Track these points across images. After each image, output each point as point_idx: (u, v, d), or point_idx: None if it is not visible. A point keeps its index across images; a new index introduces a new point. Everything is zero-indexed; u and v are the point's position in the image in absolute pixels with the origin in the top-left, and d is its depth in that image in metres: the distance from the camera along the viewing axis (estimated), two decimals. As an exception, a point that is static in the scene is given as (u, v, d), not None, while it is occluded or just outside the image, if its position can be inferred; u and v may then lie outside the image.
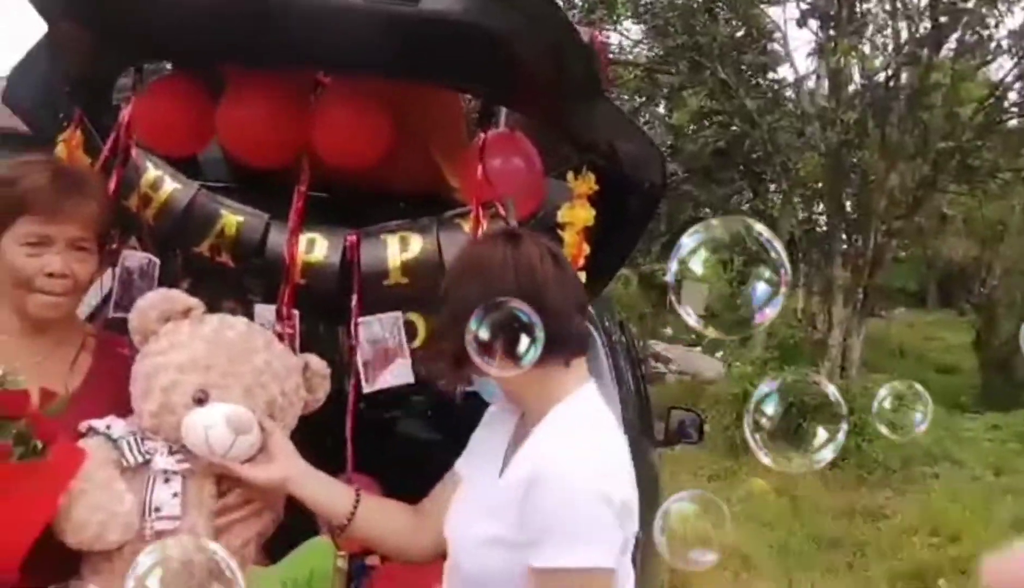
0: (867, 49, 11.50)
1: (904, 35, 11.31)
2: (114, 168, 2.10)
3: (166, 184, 2.19)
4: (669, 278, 1.56)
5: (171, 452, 1.77)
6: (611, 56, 13.03)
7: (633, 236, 2.30)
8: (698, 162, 15.46)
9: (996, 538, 6.80)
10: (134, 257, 2.17)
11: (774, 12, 13.24)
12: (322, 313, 2.16)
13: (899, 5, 11.25)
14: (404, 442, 3.31)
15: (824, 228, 12.13)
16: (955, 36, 11.00)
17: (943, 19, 10.69)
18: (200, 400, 1.76)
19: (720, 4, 12.81)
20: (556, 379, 1.63)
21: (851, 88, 11.69)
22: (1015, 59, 11.08)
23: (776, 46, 13.63)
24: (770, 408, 1.66)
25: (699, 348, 16.61)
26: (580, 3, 13.17)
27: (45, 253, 1.76)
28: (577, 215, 2.02)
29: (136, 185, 2.16)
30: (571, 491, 1.49)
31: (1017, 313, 14.92)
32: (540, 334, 1.50)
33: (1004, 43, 10.94)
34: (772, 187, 15.04)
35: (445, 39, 1.74)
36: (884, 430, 1.89)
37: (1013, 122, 12.16)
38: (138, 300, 1.86)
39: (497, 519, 1.57)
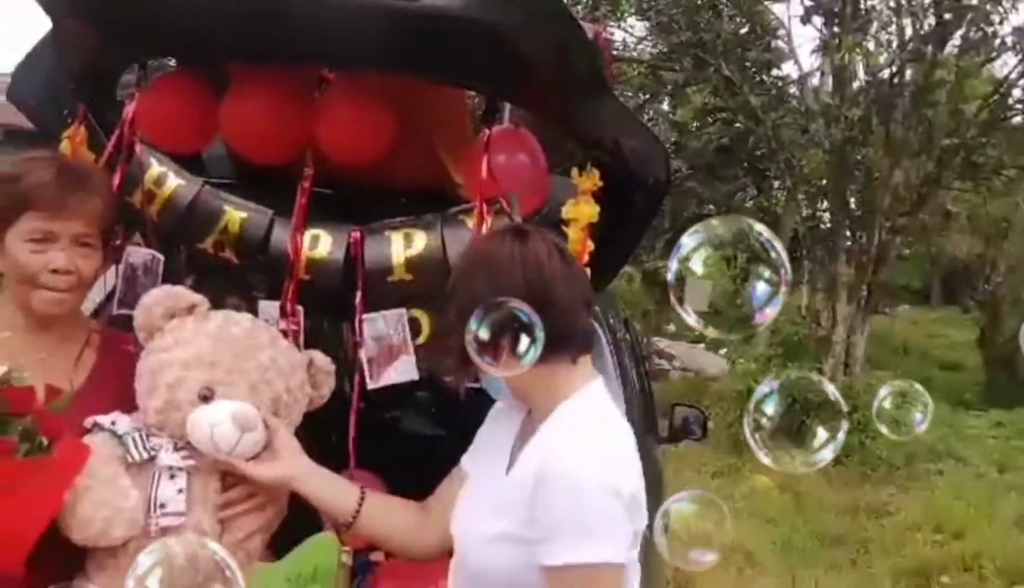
0: (871, 46, 11.45)
1: (908, 32, 11.28)
2: (118, 164, 2.10)
3: (170, 180, 2.19)
4: (670, 277, 1.56)
5: (176, 448, 1.78)
6: (615, 53, 13.01)
7: (637, 233, 2.29)
8: (702, 159, 15.46)
9: (1000, 535, 6.82)
10: (138, 253, 2.17)
11: (778, 9, 13.24)
12: (326, 310, 2.15)
13: (903, 2, 11.22)
14: (408, 439, 3.31)
15: (828, 225, 12.09)
16: (959, 33, 10.96)
17: (947, 16, 10.65)
18: (205, 397, 1.77)
19: (724, 1, 12.78)
20: (563, 376, 1.63)
21: (855, 85, 11.66)
22: (1020, 56, 11.02)
23: (780, 43, 13.62)
24: (770, 408, 1.66)
25: (703, 345, 16.60)
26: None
27: (49, 249, 1.76)
28: (581, 211, 2.01)
29: (140, 181, 2.16)
30: (579, 486, 1.49)
31: (1021, 310, 14.89)
32: (540, 334, 1.50)
33: (1009, 40, 10.89)
34: (776, 184, 15.03)
35: (446, 35, 1.74)
36: (884, 429, 1.89)
37: (1018, 119, 12.10)
38: (143, 297, 1.86)
39: (504, 516, 1.57)
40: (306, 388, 1.94)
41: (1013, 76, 11.37)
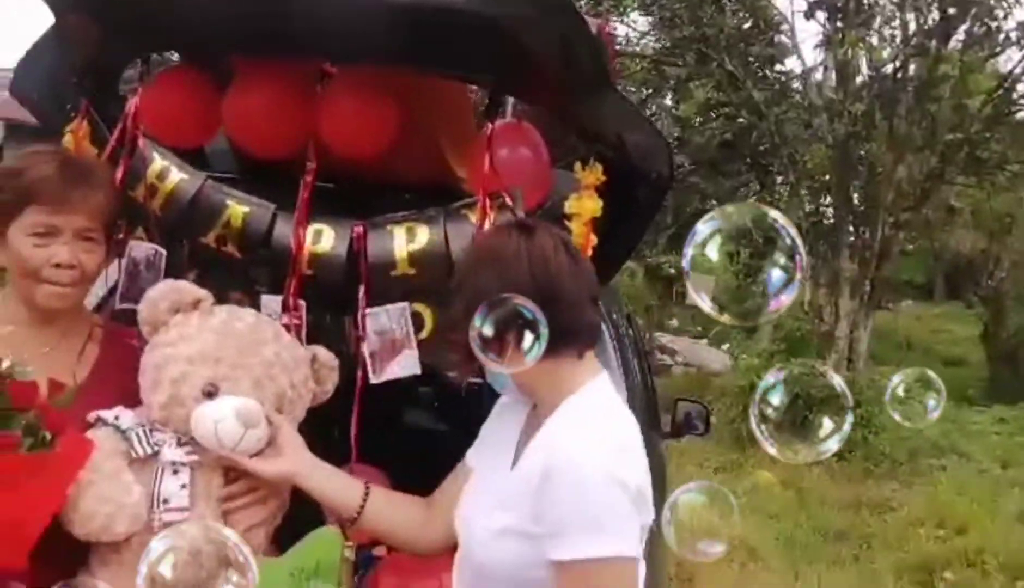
0: (875, 41, 11.42)
1: (912, 26, 11.24)
2: (121, 159, 2.10)
3: (172, 174, 2.19)
4: (685, 264, 1.56)
5: (180, 444, 1.77)
6: (618, 48, 12.99)
7: (640, 227, 2.29)
8: (705, 154, 15.43)
9: (1003, 531, 6.82)
10: (140, 248, 2.17)
11: (781, 4, 13.19)
12: (329, 304, 2.15)
13: (907, -4, 11.21)
14: (410, 433, 3.32)
15: (831, 220, 12.06)
16: (963, 28, 10.93)
17: (951, 10, 10.62)
18: (210, 393, 1.76)
19: (727, -4, 12.76)
20: (568, 371, 1.63)
21: (859, 80, 11.63)
22: (1024, 51, 11.02)
23: (783, 38, 13.55)
24: (776, 399, 1.66)
25: (705, 340, 16.62)
26: (587, -6, 13.13)
27: (52, 243, 1.76)
28: (584, 206, 2.01)
29: (142, 176, 2.16)
30: (586, 479, 1.49)
31: (1025, 306, 14.90)
32: (544, 330, 1.49)
33: (1013, 35, 10.86)
34: (779, 179, 14.98)
35: (449, 28, 1.73)
36: (897, 417, 1.89)
37: (1022, 114, 12.07)
38: (148, 291, 1.86)
39: (509, 510, 1.57)
40: (310, 383, 1.93)
41: (1017, 71, 11.34)
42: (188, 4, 1.79)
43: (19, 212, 1.75)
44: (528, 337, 1.49)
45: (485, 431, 1.85)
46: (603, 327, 2.50)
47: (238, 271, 2.19)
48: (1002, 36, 10.90)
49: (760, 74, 13.17)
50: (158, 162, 2.19)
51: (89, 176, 1.83)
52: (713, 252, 1.53)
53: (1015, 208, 15.41)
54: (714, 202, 15.14)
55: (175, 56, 2.36)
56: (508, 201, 2.01)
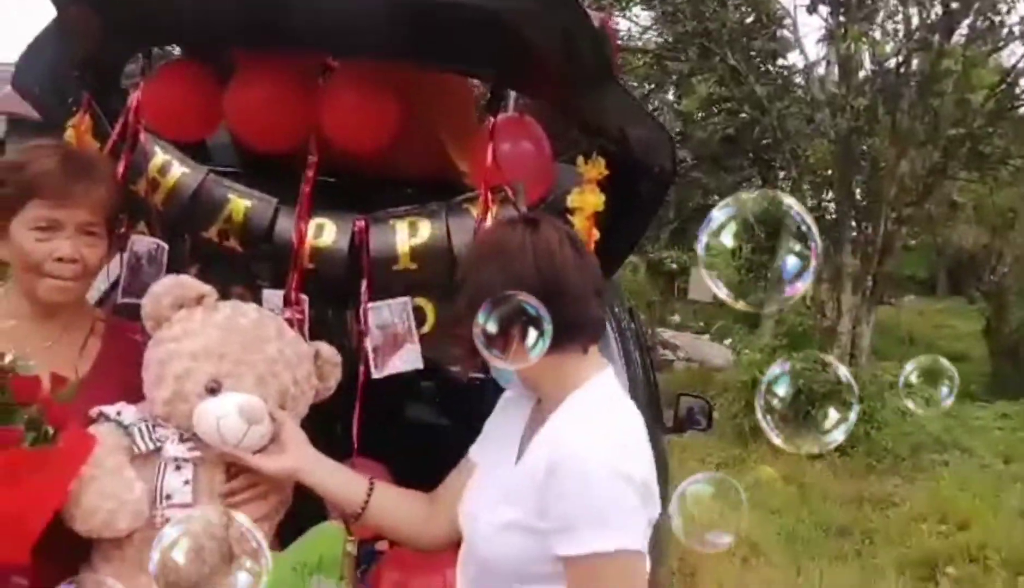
0: (878, 35, 11.41)
1: (915, 21, 11.23)
2: (122, 153, 2.10)
3: (174, 169, 2.18)
4: (699, 250, 1.55)
5: (182, 440, 1.77)
6: (620, 43, 12.98)
7: (643, 221, 2.28)
8: (707, 149, 15.44)
9: (1005, 526, 6.81)
10: (142, 242, 2.17)
11: (784, -2, 13.19)
12: (330, 298, 2.15)
13: (910, -10, 11.19)
14: (412, 427, 3.32)
15: (833, 215, 12.07)
16: (966, 22, 10.93)
17: (954, 5, 10.61)
18: (213, 390, 1.76)
19: (730, -10, 12.73)
20: (573, 365, 1.63)
21: (861, 74, 11.62)
22: (1027, 45, 11.01)
23: (786, 32, 13.56)
24: (782, 389, 1.66)
25: (707, 335, 16.61)
26: (589, -11, 13.11)
27: (54, 237, 1.76)
28: (587, 200, 2.01)
29: (144, 170, 2.16)
30: (591, 473, 1.49)
31: (1027, 301, 14.89)
32: (548, 326, 1.49)
33: (1016, 29, 10.87)
34: (781, 174, 14.98)
35: (451, 22, 1.73)
36: (910, 405, 1.89)
37: (1024, 109, 12.08)
38: (152, 286, 1.86)
39: (514, 504, 1.57)
40: (312, 380, 1.93)
41: (1020, 65, 11.34)
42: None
43: (21, 206, 1.75)
44: (532, 334, 1.49)
45: (489, 426, 1.85)
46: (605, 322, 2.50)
47: (240, 265, 2.19)
48: (1005, 31, 10.91)
49: (762, 69, 13.19)
50: (160, 156, 2.19)
51: (91, 170, 1.83)
52: (728, 239, 1.53)
53: (1018, 203, 15.41)
54: (716, 197, 15.14)
55: (177, 50, 2.35)
56: (510, 195, 2.00)
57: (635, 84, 14.85)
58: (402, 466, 2.24)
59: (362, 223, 2.09)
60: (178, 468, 1.76)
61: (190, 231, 2.20)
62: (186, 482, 1.75)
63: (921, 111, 10.84)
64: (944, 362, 1.90)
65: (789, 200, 1.54)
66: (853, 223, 11.61)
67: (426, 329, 2.11)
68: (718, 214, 1.55)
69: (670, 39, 13.85)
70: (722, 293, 1.57)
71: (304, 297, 2.08)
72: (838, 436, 1.65)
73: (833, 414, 1.65)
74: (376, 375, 2.09)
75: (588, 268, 1.64)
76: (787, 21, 13.31)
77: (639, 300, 13.65)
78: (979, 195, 14.94)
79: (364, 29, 1.81)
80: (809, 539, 6.84)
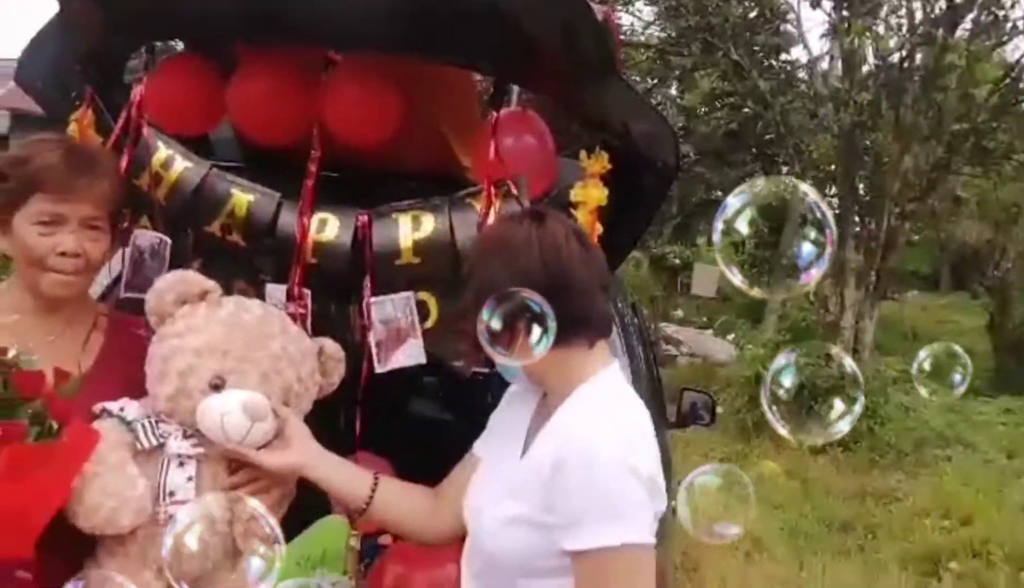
0: (881, 30, 11.39)
1: (919, 15, 11.21)
2: (125, 147, 2.10)
3: (177, 163, 2.18)
4: (716, 237, 1.55)
5: (186, 436, 1.77)
6: (623, 37, 12.96)
7: (646, 216, 2.28)
8: (710, 144, 15.42)
9: (1008, 521, 6.81)
10: (145, 236, 2.17)
11: (787, -7, 13.16)
12: (333, 293, 2.15)
13: (914, -15, 11.16)
14: (416, 423, 3.32)
15: (837, 210, 12.02)
16: (970, 16, 10.90)
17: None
18: (216, 386, 1.75)
19: (733, -15, 12.71)
20: (580, 360, 1.63)
21: (865, 69, 11.61)
22: (1031, 39, 10.98)
23: (789, 27, 13.55)
24: (788, 380, 1.66)
25: (710, 331, 16.61)
26: (592, -17, 13.06)
27: (58, 232, 1.76)
28: (590, 195, 2.01)
29: (147, 164, 2.16)
30: (598, 467, 1.48)
31: (1031, 296, 14.87)
32: (552, 323, 1.49)
33: (1020, 24, 10.84)
34: (784, 169, 14.95)
35: (452, 16, 1.72)
36: (923, 392, 1.89)
37: (1028, 104, 12.04)
38: (156, 281, 1.85)
39: (519, 499, 1.57)
40: (316, 376, 1.92)
41: (1024, 60, 11.30)
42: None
43: (24, 200, 1.75)
44: (536, 330, 1.49)
45: (494, 420, 1.84)
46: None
47: (243, 260, 2.19)
48: (1009, 25, 10.88)
49: (766, 64, 13.16)
50: (163, 151, 2.19)
51: (94, 164, 1.82)
52: (743, 225, 1.52)
53: (1021, 198, 15.39)
54: (719, 192, 15.13)
55: (179, 44, 2.35)
56: (513, 189, 2.00)
57: (638, 79, 14.81)
58: (405, 461, 2.24)
59: (365, 217, 2.09)
60: (181, 464, 1.75)
61: (193, 226, 2.21)
62: (189, 478, 1.75)
63: (925, 106, 10.81)
64: (957, 349, 1.90)
65: (804, 186, 1.54)
66: (856, 218, 11.60)
67: (429, 324, 2.11)
68: (733, 201, 1.54)
69: (673, 34, 13.82)
70: (737, 280, 1.56)
71: (307, 291, 2.08)
72: (844, 427, 1.65)
73: (839, 405, 1.65)
74: (379, 370, 2.09)
75: (594, 263, 1.64)
76: (790, 16, 13.30)
77: (642, 295, 13.65)
78: (983, 190, 14.92)
79: (365, 22, 1.81)
80: (812, 534, 6.84)
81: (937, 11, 10.91)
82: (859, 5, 10.94)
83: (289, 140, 2.10)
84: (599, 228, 1.99)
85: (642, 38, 15.05)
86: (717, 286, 15.83)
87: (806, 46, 13.11)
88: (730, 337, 15.96)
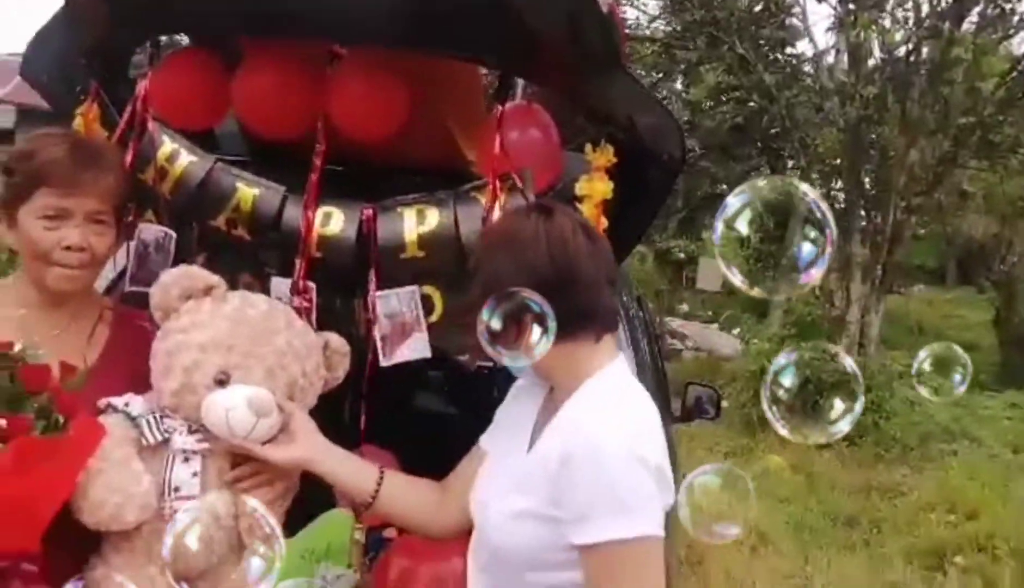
0: (887, 23, 11.34)
1: (925, 8, 11.16)
2: (130, 141, 2.10)
3: (182, 157, 2.18)
4: (716, 237, 1.54)
5: (191, 431, 1.77)
6: (628, 31, 12.93)
7: (651, 210, 2.28)
8: (715, 138, 15.41)
9: (1014, 515, 6.80)
10: (150, 230, 2.17)
11: (793, -14, 13.12)
12: (338, 287, 2.15)
13: (920, -22, 11.12)
14: (420, 417, 3.32)
15: (843, 205, 12.00)
16: (977, 9, 10.86)
17: (964, -8, 10.56)
18: (221, 381, 1.75)
19: (738, -22, 12.68)
20: (586, 354, 1.63)
21: (871, 63, 11.56)
22: (1038, 33, 10.94)
23: (795, 20, 13.50)
24: (788, 380, 1.65)
25: (716, 325, 16.61)
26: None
27: (63, 226, 1.76)
28: (595, 188, 2.00)
29: (152, 158, 2.16)
30: (606, 460, 1.48)
31: (1037, 291, 14.83)
32: (552, 324, 1.49)
33: (1027, 17, 10.80)
34: (790, 163, 14.94)
35: (458, 9, 1.72)
36: (924, 392, 1.89)
37: (1035, 97, 11.99)
38: (161, 276, 1.85)
39: (526, 493, 1.57)
40: (321, 370, 1.92)
41: (1031, 53, 11.25)
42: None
43: (30, 195, 1.75)
44: (536, 331, 1.49)
45: (500, 414, 1.84)
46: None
47: (248, 254, 2.19)
48: (1016, 18, 10.84)
49: (771, 57, 13.13)
50: (168, 145, 2.19)
51: (99, 159, 1.83)
52: (743, 225, 1.52)
53: (1028, 192, 15.32)
54: (724, 187, 15.11)
55: (184, 38, 2.35)
56: (518, 183, 2.00)
57: (643, 73, 14.80)
58: (410, 455, 2.24)
59: (370, 211, 2.09)
60: (186, 460, 1.76)
61: (198, 219, 2.21)
62: (194, 474, 1.75)
63: (931, 100, 10.78)
64: (957, 349, 1.90)
65: (804, 186, 1.53)
66: (862, 212, 11.56)
67: (434, 318, 2.10)
68: (733, 201, 1.54)
69: (678, 27, 13.79)
70: (737, 280, 1.56)
71: (312, 285, 2.08)
72: (844, 427, 1.65)
73: (839, 405, 1.65)
74: (384, 364, 2.09)
75: (601, 256, 1.64)
76: (796, 9, 13.24)
77: (647, 289, 13.65)
78: (989, 184, 14.87)
79: (370, 17, 1.80)
80: (817, 528, 6.84)
81: (943, 4, 10.86)
82: (865, -2, 10.91)
83: (294, 134, 2.10)
84: (604, 222, 1.99)
85: (647, 32, 15.01)
86: (722, 280, 15.82)
87: (812, 40, 13.05)
88: (735, 331, 15.95)
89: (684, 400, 4.17)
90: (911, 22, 11.32)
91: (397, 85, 2.04)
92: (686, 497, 1.59)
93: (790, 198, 1.53)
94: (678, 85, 17.39)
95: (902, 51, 11.28)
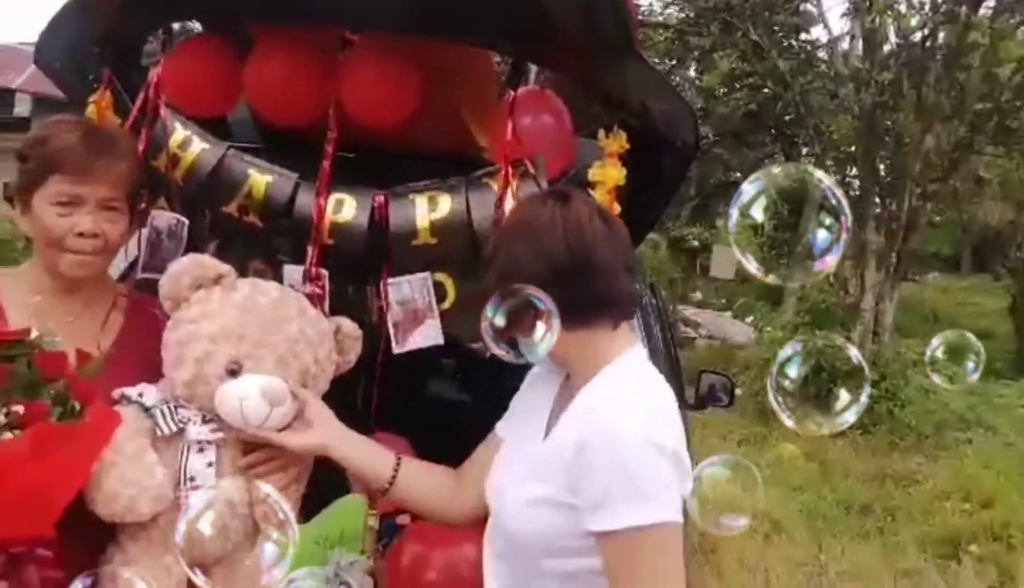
0: (903, 8, 11.24)
1: (941, -7, 11.07)
2: (143, 128, 2.10)
3: (194, 144, 2.18)
4: (731, 225, 1.54)
5: (205, 421, 1.77)
6: (641, 18, 12.88)
7: (665, 196, 2.27)
8: (729, 125, 15.34)
9: (1029, 504, 6.77)
10: (162, 217, 2.17)
11: (807, -29, 13.03)
12: (350, 274, 2.15)
13: (937, -38, 11.01)
14: (433, 404, 3.32)
15: (857, 192, 11.92)
16: (994, -6, 10.77)
17: (982, -24, 10.46)
18: (233, 371, 1.75)
19: (752, -37, 12.59)
20: (603, 341, 1.62)
21: (886, 48, 11.47)
22: (1056, 17, 10.82)
23: (809, 6, 13.40)
24: (793, 371, 1.65)
25: (729, 313, 16.57)
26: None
27: (76, 213, 1.76)
28: (608, 174, 1.99)
29: (165, 145, 2.16)
30: (623, 447, 1.47)
31: (1054, 278, 14.72)
32: (556, 322, 1.48)
33: (1045, 1, 10.69)
34: (804, 150, 14.87)
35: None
36: (937, 380, 1.88)
37: (1053, 82, 11.88)
38: (170, 265, 1.85)
39: (542, 480, 1.57)
40: (333, 356, 1.92)
41: (1049, 38, 11.14)
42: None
43: (43, 181, 1.76)
44: (540, 328, 1.48)
45: (516, 402, 1.84)
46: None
47: (260, 241, 2.18)
48: (1034, 3, 10.71)
49: (785, 43, 13.05)
50: (180, 132, 2.19)
51: (112, 146, 1.83)
52: (758, 212, 1.51)
53: (1045, 179, 15.19)
54: (738, 174, 15.05)
55: (197, 25, 2.35)
56: (531, 169, 1.99)
57: (656, 60, 14.72)
58: (423, 441, 2.24)
59: (381, 198, 2.08)
60: (201, 450, 1.76)
61: (210, 206, 2.21)
62: (209, 464, 1.76)
63: (947, 85, 10.68)
64: (970, 337, 1.88)
65: (820, 173, 1.52)
66: (877, 199, 11.48)
67: (447, 305, 2.10)
68: (748, 188, 1.53)
69: (692, 14, 13.72)
70: (752, 267, 1.55)
71: (324, 272, 2.08)
72: (850, 417, 1.64)
73: (844, 395, 1.64)
74: (397, 351, 2.09)
75: (619, 243, 1.63)
76: (810, -5, 13.15)
77: (660, 277, 13.63)
78: (1005, 171, 14.75)
79: (382, 3, 1.80)
80: (831, 516, 6.83)
81: (960, -11, 10.77)
82: (881, -17, 10.81)
83: (306, 121, 2.10)
84: (617, 208, 1.98)
85: (661, 19, 14.94)
86: (736, 268, 15.78)
87: (826, 25, 12.98)
88: (749, 319, 15.92)
89: (698, 388, 4.16)
90: (927, 7, 11.21)
91: (409, 71, 2.04)
92: (694, 489, 1.59)
93: (805, 185, 1.52)
94: (691, 72, 17.30)
95: (918, 36, 11.17)
